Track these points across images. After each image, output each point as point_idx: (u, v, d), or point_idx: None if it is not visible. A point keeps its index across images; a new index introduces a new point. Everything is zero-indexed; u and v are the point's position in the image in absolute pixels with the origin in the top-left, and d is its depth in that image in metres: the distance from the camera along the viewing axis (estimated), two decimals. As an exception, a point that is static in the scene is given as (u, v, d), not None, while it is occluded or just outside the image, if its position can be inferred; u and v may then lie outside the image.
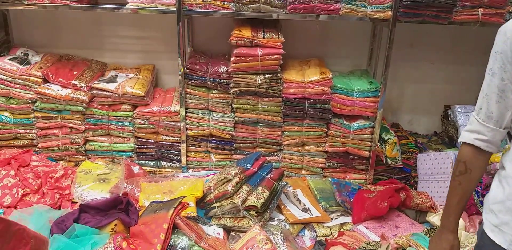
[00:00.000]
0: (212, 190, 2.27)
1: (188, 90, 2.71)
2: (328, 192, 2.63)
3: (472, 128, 1.24)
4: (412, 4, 2.50)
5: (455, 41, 3.10)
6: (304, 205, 2.46)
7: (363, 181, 2.85)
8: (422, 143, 2.97)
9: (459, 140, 1.31)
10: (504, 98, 1.15)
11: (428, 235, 2.22)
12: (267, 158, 2.72)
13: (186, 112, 2.75)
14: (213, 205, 2.25)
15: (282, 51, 2.60)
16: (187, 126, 2.77)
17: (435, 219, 2.41)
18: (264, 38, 2.60)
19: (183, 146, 2.81)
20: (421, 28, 3.00)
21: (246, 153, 2.82)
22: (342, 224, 2.44)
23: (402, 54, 3.08)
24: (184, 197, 2.20)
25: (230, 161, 2.85)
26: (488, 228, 1.24)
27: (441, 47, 3.11)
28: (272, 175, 2.41)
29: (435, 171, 2.72)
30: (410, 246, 2.05)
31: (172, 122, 2.78)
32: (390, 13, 2.55)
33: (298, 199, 2.50)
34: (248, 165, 2.40)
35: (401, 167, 2.80)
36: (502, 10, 2.51)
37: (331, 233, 2.36)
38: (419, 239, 2.17)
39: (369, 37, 3.09)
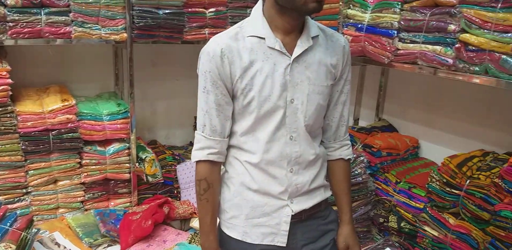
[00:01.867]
0: None
1: None
2: (92, 225, 2.28)
3: (202, 145, 1.21)
4: (144, 26, 2.38)
5: (192, 57, 3.13)
6: (65, 247, 2.06)
7: (129, 204, 2.58)
8: (179, 154, 2.89)
9: (192, 161, 1.26)
10: (222, 111, 1.17)
11: (192, 241, 2.17)
12: (9, 206, 2.16)
13: None
14: None
15: (9, 81, 2.12)
16: None
17: (196, 223, 2.38)
18: (-18, 68, 2.07)
19: None
20: (162, 48, 2.94)
21: (-21, 206, 2.18)
22: (111, 255, 2.16)
23: (148, 73, 2.95)
24: None
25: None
26: (223, 225, 1.27)
27: (181, 64, 3.10)
28: (18, 225, 1.91)
29: (193, 178, 2.67)
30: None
31: None
32: (125, 35, 2.38)
33: (56, 243, 2.08)
34: (-18, 221, 1.86)
35: (163, 181, 2.65)
36: (224, 29, 2.63)
37: (101, 268, 2.06)
38: (182, 248, 2.10)
39: (112, 58, 2.84)
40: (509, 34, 1.43)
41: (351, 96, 2.82)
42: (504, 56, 1.46)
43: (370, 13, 2.00)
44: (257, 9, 1.18)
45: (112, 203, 2.56)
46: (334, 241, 1.32)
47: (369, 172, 2.11)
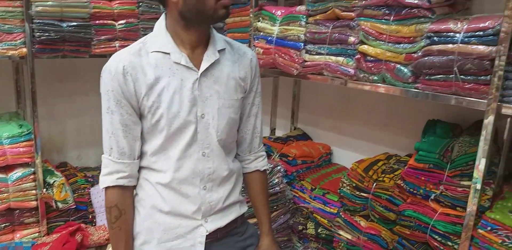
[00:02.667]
0: None
1: None
2: (-7, 261, 2.06)
3: (110, 169, 1.14)
4: (46, 40, 2.22)
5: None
6: (-41, 290, 1.83)
7: (37, 234, 2.34)
8: (93, 176, 2.69)
9: (101, 187, 1.17)
10: (130, 132, 1.13)
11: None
12: None
13: None
14: None
15: None
16: None
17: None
18: None
19: None
20: (69, 62, 2.77)
21: None
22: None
23: (54, 89, 2.75)
24: None
25: None
26: None
27: (91, 79, 2.89)
28: None
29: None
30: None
31: None
32: (25, 50, 2.21)
33: None
34: None
35: (75, 206, 2.44)
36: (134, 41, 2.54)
37: None
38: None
39: (13, 76, 2.61)
40: (402, 45, 1.53)
41: (267, 107, 2.89)
42: (398, 66, 1.56)
43: (279, 26, 2.05)
44: (160, 24, 1.15)
45: (18, 235, 2.31)
46: None
47: (286, 180, 2.14)
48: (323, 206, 2.00)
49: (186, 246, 1.18)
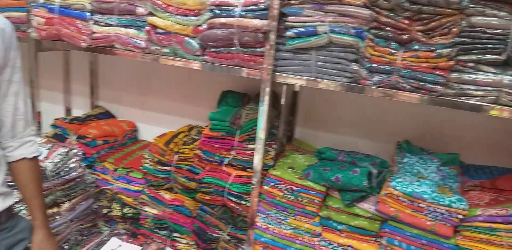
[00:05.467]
0: None
1: None
2: None
3: None
4: None
5: None
6: None
7: None
8: None
9: None
10: None
11: None
12: None
13: None
14: None
15: None
16: None
17: None
18: None
19: None
20: None
21: None
22: None
23: None
24: None
25: None
26: None
27: None
28: None
29: None
30: None
31: None
32: None
33: None
34: None
35: None
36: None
37: None
38: None
39: None
40: (188, 17, 1.52)
41: (59, 84, 2.56)
42: (187, 38, 1.55)
43: (61, -7, 1.80)
44: None
45: None
46: None
47: (86, 164, 1.96)
48: (127, 185, 1.91)
49: None
